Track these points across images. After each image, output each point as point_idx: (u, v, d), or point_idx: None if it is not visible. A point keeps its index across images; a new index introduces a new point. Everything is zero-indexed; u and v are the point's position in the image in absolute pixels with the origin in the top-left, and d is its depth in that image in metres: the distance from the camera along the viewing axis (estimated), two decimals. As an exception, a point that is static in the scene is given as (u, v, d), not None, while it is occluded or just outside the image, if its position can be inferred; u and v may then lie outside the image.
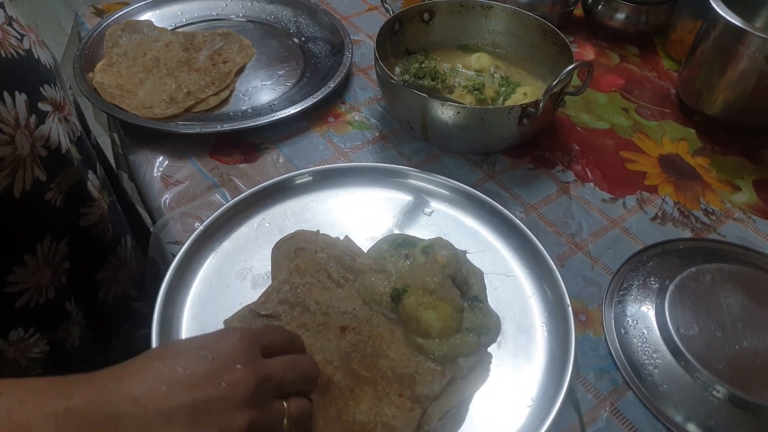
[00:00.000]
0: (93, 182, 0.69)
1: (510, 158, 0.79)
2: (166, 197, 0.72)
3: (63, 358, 0.65)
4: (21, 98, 0.55)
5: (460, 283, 0.61)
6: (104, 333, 0.76)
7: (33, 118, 0.57)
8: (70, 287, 0.65)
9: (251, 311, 0.59)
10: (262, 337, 0.42)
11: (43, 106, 0.59)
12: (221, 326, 0.58)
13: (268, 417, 0.39)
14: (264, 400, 0.39)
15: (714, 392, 0.54)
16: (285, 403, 0.40)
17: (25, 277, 0.58)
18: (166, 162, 0.76)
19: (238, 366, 0.38)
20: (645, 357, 0.57)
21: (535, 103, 0.70)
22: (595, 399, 0.55)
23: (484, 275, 0.64)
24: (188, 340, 0.43)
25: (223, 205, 0.68)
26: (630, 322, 0.60)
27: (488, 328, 0.59)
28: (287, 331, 0.49)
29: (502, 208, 0.69)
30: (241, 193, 0.70)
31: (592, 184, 0.76)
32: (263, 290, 0.61)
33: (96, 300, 0.72)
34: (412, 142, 0.80)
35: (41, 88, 0.59)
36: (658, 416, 0.54)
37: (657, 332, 0.59)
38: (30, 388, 0.34)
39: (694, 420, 0.53)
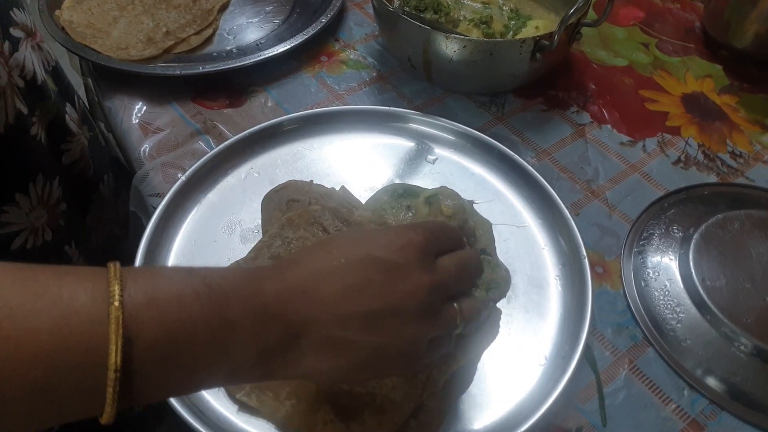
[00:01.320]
0: (71, 116, 0.64)
1: (521, 99, 0.73)
2: (146, 146, 0.66)
3: None
4: None
5: (467, 235, 0.56)
6: None
7: (7, 45, 0.53)
8: (69, 231, 0.62)
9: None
10: (436, 240, 0.40)
11: (15, 32, 0.55)
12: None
13: (441, 324, 0.38)
14: (437, 308, 0.38)
15: (741, 347, 0.50)
16: (456, 305, 0.39)
17: (18, 217, 0.55)
18: (145, 108, 0.70)
19: (414, 274, 0.36)
20: (667, 311, 0.53)
21: (550, 36, 0.64)
22: (613, 356, 0.51)
23: (493, 226, 0.59)
24: (365, 235, 0.40)
25: (207, 153, 0.63)
26: (651, 274, 0.56)
27: (497, 282, 0.54)
28: (454, 229, 0.46)
29: (513, 154, 0.63)
30: (227, 140, 0.64)
31: (609, 126, 0.70)
32: (253, 245, 0.56)
33: (90, 243, 0.69)
34: (414, 83, 0.74)
35: (11, 12, 0.55)
36: (680, 373, 0.50)
37: (680, 284, 0.54)
38: (232, 284, 0.34)
39: (719, 376, 0.49)
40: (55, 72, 0.64)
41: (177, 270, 0.34)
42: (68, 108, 0.64)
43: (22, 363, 0.27)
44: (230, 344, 0.33)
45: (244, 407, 0.46)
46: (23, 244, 0.56)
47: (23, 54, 0.55)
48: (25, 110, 0.54)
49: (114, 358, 0.28)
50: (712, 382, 0.49)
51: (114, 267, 0.31)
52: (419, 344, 0.37)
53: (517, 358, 0.50)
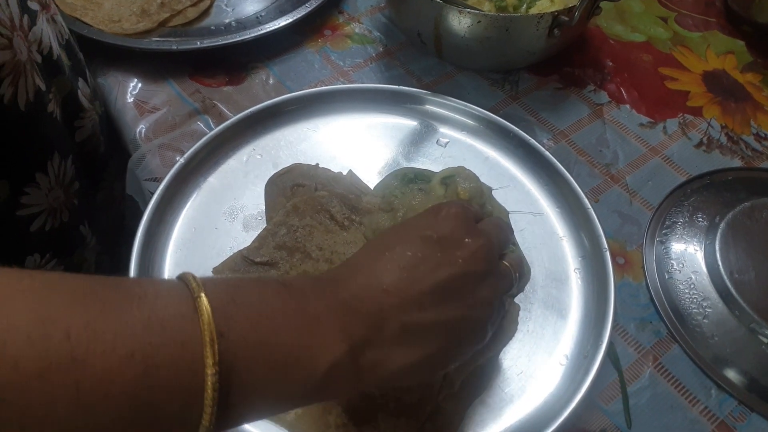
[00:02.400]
0: (83, 91, 0.62)
1: (535, 76, 0.69)
2: (142, 127, 0.63)
3: None
4: None
5: (483, 221, 0.54)
6: (114, 259, 0.70)
7: (26, 19, 0.50)
8: (82, 210, 0.60)
9: (244, 258, 0.51)
10: (469, 208, 0.41)
11: (32, 5, 0.52)
12: (209, 275, 0.51)
13: (503, 278, 0.39)
14: (496, 265, 0.38)
15: (770, 344, 0.48)
16: (506, 262, 0.40)
17: (39, 198, 0.53)
18: (140, 85, 0.66)
19: (467, 239, 0.37)
20: (693, 305, 0.51)
21: (570, 11, 0.60)
22: (636, 353, 0.49)
23: (509, 215, 0.56)
24: (399, 226, 0.42)
25: (207, 134, 0.59)
26: (675, 266, 0.53)
27: (515, 276, 0.51)
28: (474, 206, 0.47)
29: (528, 137, 0.60)
30: (227, 120, 0.60)
31: (628, 106, 0.67)
32: (257, 233, 0.53)
33: (102, 224, 0.67)
34: (423, 59, 0.70)
35: None
36: (707, 372, 0.48)
37: (706, 277, 0.52)
38: (306, 284, 0.34)
39: (749, 376, 0.47)
40: (68, 46, 0.61)
41: (249, 277, 0.34)
42: (80, 83, 0.61)
43: (118, 360, 0.25)
44: (320, 340, 0.31)
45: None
46: (42, 226, 0.55)
47: (40, 28, 0.52)
48: (43, 86, 0.52)
49: (209, 351, 0.27)
50: (741, 381, 0.47)
51: (190, 274, 0.30)
52: (493, 305, 0.37)
53: (536, 357, 0.48)
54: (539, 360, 0.48)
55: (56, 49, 0.55)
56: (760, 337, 0.48)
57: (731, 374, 0.47)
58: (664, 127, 0.65)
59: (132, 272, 0.49)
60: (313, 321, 0.31)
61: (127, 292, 0.28)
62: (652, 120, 0.66)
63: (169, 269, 0.51)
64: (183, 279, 0.30)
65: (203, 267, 0.51)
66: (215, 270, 0.51)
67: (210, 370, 0.27)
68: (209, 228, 0.54)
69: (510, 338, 0.49)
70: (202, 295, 0.28)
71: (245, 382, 0.28)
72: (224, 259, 0.52)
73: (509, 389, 0.46)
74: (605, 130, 0.64)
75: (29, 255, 0.54)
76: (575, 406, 0.44)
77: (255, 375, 0.29)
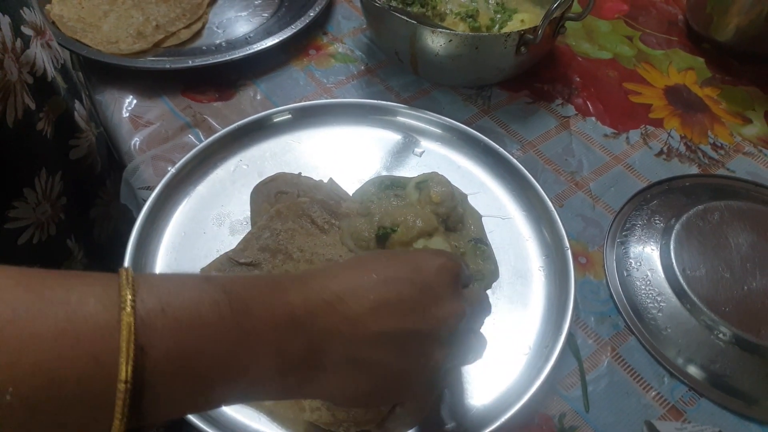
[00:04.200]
0: (80, 113, 0.65)
1: (506, 92, 0.73)
2: (136, 140, 0.67)
3: None
4: (5, 20, 0.51)
5: (454, 222, 0.58)
6: (106, 269, 0.73)
7: (18, 42, 0.53)
8: (69, 224, 0.63)
9: (229, 259, 0.55)
10: (463, 270, 0.40)
11: (25, 30, 0.56)
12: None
13: (463, 350, 0.38)
14: (462, 334, 0.38)
15: (720, 335, 0.51)
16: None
17: (26, 212, 0.56)
18: (135, 101, 0.71)
19: (448, 300, 0.36)
20: (648, 300, 0.54)
21: (534, 30, 0.64)
22: (596, 345, 0.52)
23: (481, 218, 0.60)
24: (397, 255, 0.40)
25: (197, 146, 0.63)
26: (633, 264, 0.57)
27: (483, 274, 0.55)
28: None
29: (498, 147, 0.64)
30: (216, 133, 0.65)
31: (593, 118, 0.71)
32: (242, 237, 0.57)
33: (92, 238, 0.70)
34: (401, 76, 0.75)
35: (21, 11, 0.56)
36: (660, 361, 0.51)
37: (661, 274, 0.55)
38: (254, 293, 0.32)
39: (699, 364, 0.51)
40: (64, 69, 0.64)
41: (194, 277, 0.33)
42: (77, 105, 0.65)
43: (22, 371, 0.25)
44: (251, 357, 0.31)
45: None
46: (29, 239, 0.57)
47: (34, 51, 0.56)
48: (33, 105, 0.55)
49: (125, 367, 0.26)
50: (691, 369, 0.50)
51: (126, 272, 0.29)
52: (441, 372, 0.36)
53: (501, 347, 0.51)
54: (504, 350, 0.51)
55: (51, 72, 0.59)
56: (708, 328, 0.51)
57: (682, 362, 0.51)
58: (627, 138, 0.69)
59: (124, 272, 0.52)
60: (248, 339, 0.30)
61: (50, 299, 0.27)
62: (615, 131, 0.70)
63: (160, 270, 0.55)
64: (119, 281, 0.29)
65: (192, 268, 0.55)
66: (203, 270, 0.55)
67: (122, 386, 0.26)
68: (198, 232, 0.58)
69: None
70: (128, 307, 0.27)
71: (161, 394, 0.28)
72: (211, 260, 0.55)
73: (476, 377, 0.49)
74: (571, 140, 0.69)
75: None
76: (535, 391, 0.47)
77: (172, 387, 0.29)
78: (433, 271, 0.36)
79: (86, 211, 0.69)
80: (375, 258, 0.38)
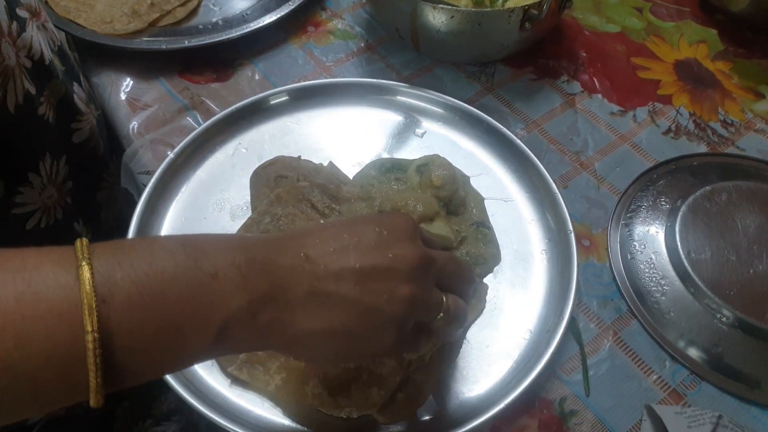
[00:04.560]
0: (79, 95, 0.65)
1: (510, 68, 0.72)
2: (134, 123, 0.66)
3: None
4: (0, 3, 0.50)
5: (456, 205, 0.57)
6: None
7: (15, 25, 0.53)
8: (76, 208, 0.63)
9: (229, 246, 0.55)
10: (422, 231, 0.41)
11: (21, 12, 0.55)
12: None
13: (429, 299, 0.38)
14: (427, 281, 0.38)
15: (723, 319, 0.51)
16: (444, 295, 0.39)
17: (33, 197, 0.56)
18: (132, 83, 0.70)
19: (406, 243, 0.37)
20: (652, 284, 0.54)
21: (539, 5, 0.62)
22: (598, 328, 0.52)
23: (483, 201, 0.59)
24: (357, 217, 0.45)
25: (195, 129, 0.62)
26: (637, 247, 0.56)
27: (485, 258, 0.55)
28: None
29: (501, 127, 0.63)
30: (214, 115, 0.64)
31: (600, 95, 0.70)
32: (243, 222, 0.57)
33: (100, 221, 0.70)
34: (402, 53, 0.73)
35: None
36: (662, 344, 0.51)
37: (666, 257, 0.55)
38: (211, 242, 0.34)
39: (701, 347, 0.50)
40: (61, 52, 0.63)
41: (146, 238, 0.34)
42: (75, 87, 0.64)
43: None
44: (215, 296, 0.31)
45: (235, 381, 0.48)
46: (37, 224, 0.57)
47: (30, 34, 0.55)
48: (33, 90, 0.54)
49: (88, 319, 0.27)
50: (693, 353, 0.50)
51: (80, 241, 0.30)
52: (409, 313, 0.36)
53: (502, 331, 0.51)
54: (505, 334, 0.51)
55: (48, 55, 0.58)
56: (712, 312, 0.51)
57: (684, 346, 0.50)
58: (634, 115, 0.68)
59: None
60: (208, 278, 0.31)
61: (6, 268, 0.28)
62: (622, 108, 0.68)
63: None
64: (75, 246, 0.30)
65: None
66: (203, 256, 0.54)
67: (89, 337, 0.27)
68: (198, 218, 0.58)
69: (478, 315, 0.52)
70: (84, 263, 0.29)
71: (131, 344, 0.29)
72: (212, 246, 0.55)
73: (477, 361, 0.49)
74: (576, 119, 0.67)
75: None
76: (536, 376, 0.47)
77: (141, 336, 0.29)
78: (392, 221, 0.38)
79: (93, 195, 0.69)
80: (335, 222, 0.41)
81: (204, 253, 0.32)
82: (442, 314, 0.38)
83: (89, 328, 0.27)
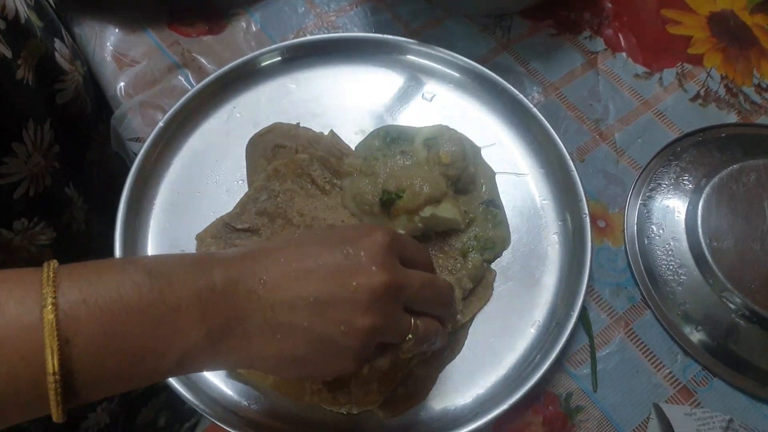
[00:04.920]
0: (61, 52, 0.60)
1: (528, 21, 0.66)
2: (122, 83, 0.61)
3: (72, 242, 0.64)
4: None
5: (465, 183, 0.54)
6: (107, 213, 0.73)
7: None
8: (65, 172, 0.61)
9: (226, 225, 0.52)
10: (406, 245, 0.38)
11: None
12: (193, 242, 0.52)
13: (393, 327, 0.36)
14: (392, 309, 0.36)
15: (742, 314, 0.49)
16: (413, 320, 0.37)
17: (18, 166, 0.54)
18: (119, 35, 0.64)
19: (373, 268, 0.35)
20: (669, 272, 0.51)
21: (564, -46, 0.56)
22: (609, 319, 0.50)
23: (495, 176, 0.56)
24: (330, 229, 0.42)
25: (187, 90, 0.58)
26: (655, 231, 0.53)
27: (494, 242, 0.52)
28: (427, 252, 0.43)
29: (516, 92, 0.58)
30: (207, 75, 0.59)
31: (624, 54, 0.64)
32: (239, 197, 0.54)
33: (92, 182, 0.68)
34: (411, 2, 0.67)
35: None
36: (675, 337, 0.49)
37: (685, 243, 0.52)
38: (177, 267, 0.33)
39: (716, 342, 0.48)
40: (38, 6, 0.58)
41: (116, 262, 0.34)
42: (57, 44, 0.60)
43: None
44: (177, 329, 0.32)
45: (233, 376, 0.47)
46: (26, 192, 0.55)
47: None
48: (9, 54, 0.51)
49: (51, 361, 0.28)
50: (707, 347, 0.48)
51: (48, 267, 0.30)
52: (368, 343, 0.35)
53: (509, 321, 0.49)
54: (511, 326, 0.49)
55: (23, 12, 0.53)
56: (730, 305, 0.49)
57: (698, 340, 0.49)
58: (660, 78, 0.62)
59: (117, 237, 0.50)
60: (171, 312, 0.32)
61: None
62: (648, 70, 0.63)
63: (153, 237, 0.52)
64: (41, 278, 0.30)
65: (187, 233, 0.52)
66: (198, 237, 0.52)
67: (51, 378, 0.28)
68: (192, 192, 0.55)
69: (484, 303, 0.50)
70: (49, 300, 0.29)
71: (92, 377, 0.30)
72: (208, 224, 0.53)
73: (482, 354, 0.48)
74: (598, 81, 0.62)
75: (16, 219, 0.55)
76: (544, 372, 0.45)
77: (103, 369, 0.30)
78: (368, 241, 0.36)
79: (82, 156, 0.66)
80: (307, 233, 0.40)
81: (169, 283, 0.32)
82: (410, 336, 0.37)
83: (51, 371, 0.28)
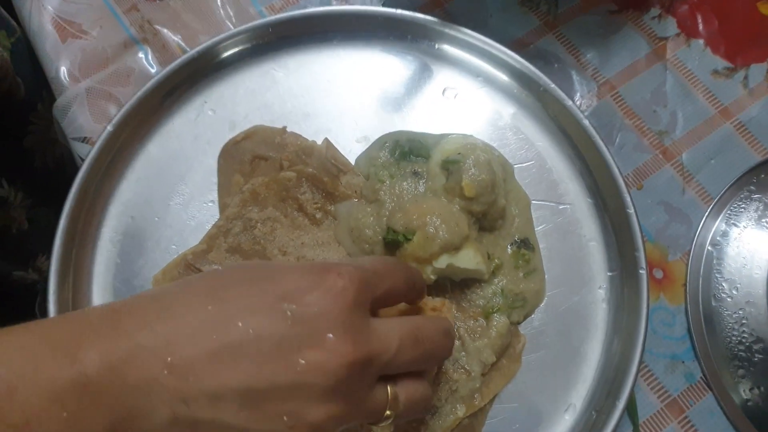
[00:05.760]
0: None
1: (582, -7, 0.52)
2: (66, 61, 0.49)
3: (13, 245, 0.57)
4: None
5: (493, 219, 0.43)
6: (55, 204, 0.63)
7: None
8: None
9: (189, 265, 0.42)
10: (377, 284, 0.29)
11: None
12: (149, 283, 0.42)
13: (361, 412, 0.28)
14: (358, 390, 0.27)
15: (826, 397, 0.39)
16: (390, 389, 0.29)
17: None
18: (62, -5, 0.51)
19: (330, 336, 0.25)
20: (740, 346, 0.41)
21: None
22: (660, 402, 0.41)
23: (530, 205, 0.45)
24: (261, 267, 0.29)
25: (146, 74, 0.46)
26: (726, 289, 0.43)
27: (524, 298, 0.42)
28: (409, 267, 0.33)
29: (562, 95, 0.46)
30: (171, 55, 0.47)
31: (702, 41, 0.51)
32: (209, 225, 0.43)
33: (33, 171, 0.60)
34: (433, -38, 0.52)
35: None
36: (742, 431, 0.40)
37: (765, 310, 0.41)
38: (23, 356, 0.24)
39: (791, 437, 0.39)
40: None
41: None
42: None
43: None
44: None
45: None
46: None
47: None
48: None
49: None
50: (781, 451, 0.39)
51: None
52: None
53: (538, 404, 0.40)
54: (540, 409, 0.40)
55: None
56: (818, 401, 0.39)
57: (771, 438, 0.40)
58: (746, 77, 0.49)
59: (51, 290, 0.40)
60: (17, 429, 0.23)
61: None
62: (730, 65, 0.50)
63: (98, 278, 0.42)
64: None
65: (142, 270, 0.42)
66: (155, 278, 0.42)
67: None
68: (149, 217, 0.44)
69: (509, 379, 0.41)
70: None
71: None
72: (169, 260, 0.42)
73: (500, 448, 0.39)
74: (666, 79, 0.49)
75: None
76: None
77: None
78: (312, 295, 0.26)
79: (19, 143, 0.56)
80: (231, 276, 0.28)
81: (9, 393, 0.23)
82: (389, 412, 0.28)
83: None
